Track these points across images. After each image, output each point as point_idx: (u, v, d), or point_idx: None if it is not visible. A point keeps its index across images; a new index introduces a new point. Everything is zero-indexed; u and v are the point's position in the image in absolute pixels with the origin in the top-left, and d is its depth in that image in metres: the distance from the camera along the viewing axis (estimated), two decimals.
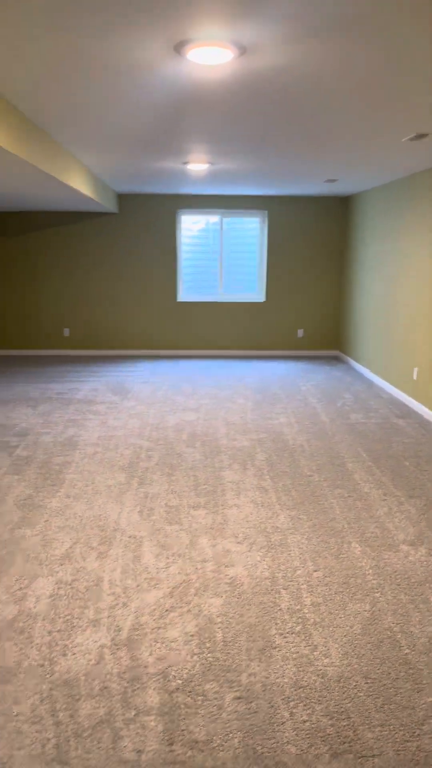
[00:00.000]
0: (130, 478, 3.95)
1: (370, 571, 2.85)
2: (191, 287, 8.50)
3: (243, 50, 2.37)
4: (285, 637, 2.36)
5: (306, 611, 2.53)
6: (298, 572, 2.83)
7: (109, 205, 7.29)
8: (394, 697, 2.06)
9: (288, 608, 2.55)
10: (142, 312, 8.43)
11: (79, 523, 3.32)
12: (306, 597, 2.63)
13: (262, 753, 1.82)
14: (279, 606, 2.56)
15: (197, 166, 5.30)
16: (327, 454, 4.47)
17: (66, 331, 8.44)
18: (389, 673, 2.17)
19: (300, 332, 8.61)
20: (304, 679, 2.14)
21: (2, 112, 3.07)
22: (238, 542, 3.12)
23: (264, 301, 8.49)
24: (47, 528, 3.25)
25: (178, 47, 2.32)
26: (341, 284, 8.42)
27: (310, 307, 8.55)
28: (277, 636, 2.37)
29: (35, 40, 2.25)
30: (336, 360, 8.35)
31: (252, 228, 8.38)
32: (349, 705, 2.02)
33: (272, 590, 2.68)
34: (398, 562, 2.94)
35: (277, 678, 2.14)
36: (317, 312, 8.57)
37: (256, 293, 8.57)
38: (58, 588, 2.68)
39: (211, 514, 3.44)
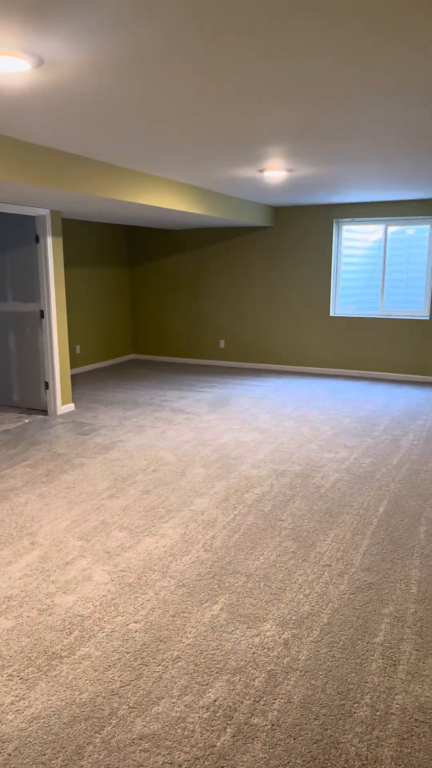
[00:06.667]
0: (108, 489, 3.99)
1: (178, 638, 2.40)
2: (350, 302, 7.91)
3: (41, 62, 2.27)
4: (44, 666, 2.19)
5: (76, 656, 2.29)
6: (118, 619, 2.55)
7: (253, 219, 7.28)
8: (46, 757, 1.76)
9: (67, 646, 2.34)
10: (293, 326, 8.17)
11: (11, 519, 3.52)
12: (86, 648, 2.37)
13: None
14: (63, 640, 2.37)
15: (274, 173, 4.99)
16: (339, 500, 3.79)
17: (221, 343, 8.69)
18: (67, 734, 1.85)
19: None
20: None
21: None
22: (109, 572, 2.93)
23: (430, 319, 7.40)
24: None
25: None
26: None
27: None
28: (44, 659, 2.21)
29: None
30: None
31: (420, 237, 7.39)
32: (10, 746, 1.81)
33: (75, 626, 2.48)
34: (233, 640, 2.40)
35: None
36: None
37: (422, 309, 7.52)
38: None
39: (127, 539, 3.28)
